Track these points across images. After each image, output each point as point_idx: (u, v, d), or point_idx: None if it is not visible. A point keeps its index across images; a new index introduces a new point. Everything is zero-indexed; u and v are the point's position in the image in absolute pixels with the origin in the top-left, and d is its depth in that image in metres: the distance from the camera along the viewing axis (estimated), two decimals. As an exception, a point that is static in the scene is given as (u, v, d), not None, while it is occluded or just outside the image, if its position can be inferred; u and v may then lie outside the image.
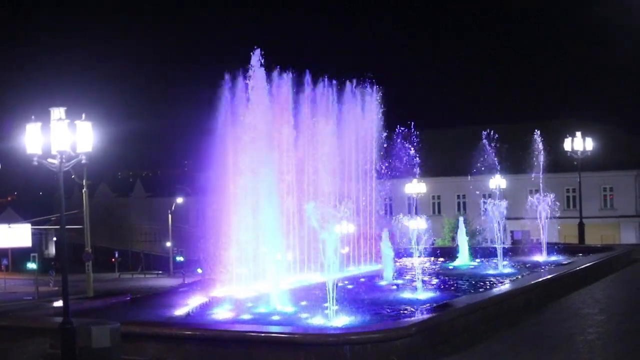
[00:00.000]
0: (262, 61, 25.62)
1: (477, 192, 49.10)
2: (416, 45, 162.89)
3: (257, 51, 25.59)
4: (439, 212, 65.80)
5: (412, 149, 39.80)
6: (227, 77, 26.16)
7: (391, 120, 34.87)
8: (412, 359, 14.36)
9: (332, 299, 17.90)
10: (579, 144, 43.41)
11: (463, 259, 33.63)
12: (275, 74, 28.29)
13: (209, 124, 25.88)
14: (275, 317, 18.92)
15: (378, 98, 34.02)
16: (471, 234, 39.49)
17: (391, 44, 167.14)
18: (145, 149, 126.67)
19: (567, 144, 43.59)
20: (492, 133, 42.74)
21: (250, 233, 24.63)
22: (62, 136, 15.71)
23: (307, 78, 30.70)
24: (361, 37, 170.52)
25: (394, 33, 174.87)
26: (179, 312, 20.34)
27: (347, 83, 32.94)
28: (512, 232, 44.57)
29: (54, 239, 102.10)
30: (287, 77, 29.06)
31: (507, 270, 29.07)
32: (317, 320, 17.79)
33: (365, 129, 33.97)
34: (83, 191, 49.44)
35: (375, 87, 34.00)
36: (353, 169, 33.28)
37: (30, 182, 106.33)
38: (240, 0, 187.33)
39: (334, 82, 32.17)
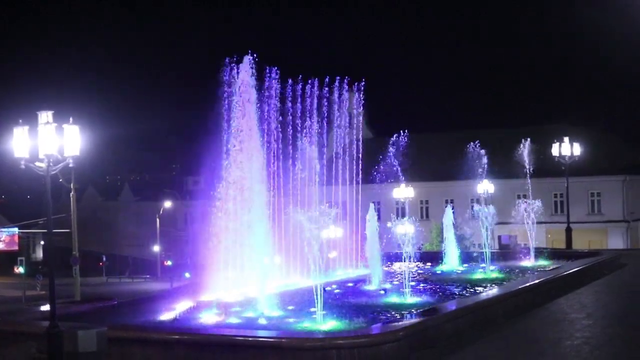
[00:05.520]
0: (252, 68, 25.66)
1: (465, 197, 49.17)
2: (403, 51, 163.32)
3: (247, 60, 25.43)
4: (427, 216, 65.85)
5: (400, 153, 39.89)
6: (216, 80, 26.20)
7: (379, 125, 35.04)
8: (399, 364, 14.37)
9: (320, 304, 17.91)
10: (567, 149, 43.59)
11: (451, 264, 33.66)
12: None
13: (197, 128, 25.96)
14: (263, 322, 18.88)
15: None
16: (459, 239, 39.56)
17: (378, 50, 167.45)
18: (134, 153, 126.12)
19: (555, 149, 43.76)
20: (480, 138, 42.82)
21: (237, 237, 24.58)
22: (50, 140, 15.67)
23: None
24: (346, 37, 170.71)
25: (380, 39, 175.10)
26: (166, 316, 20.29)
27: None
28: (499, 236, 44.59)
29: (42, 242, 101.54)
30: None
31: (495, 275, 29.15)
32: (304, 325, 17.79)
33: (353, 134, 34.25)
34: (70, 195, 49.17)
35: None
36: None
37: (18, 185, 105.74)
38: (235, 2, 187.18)
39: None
